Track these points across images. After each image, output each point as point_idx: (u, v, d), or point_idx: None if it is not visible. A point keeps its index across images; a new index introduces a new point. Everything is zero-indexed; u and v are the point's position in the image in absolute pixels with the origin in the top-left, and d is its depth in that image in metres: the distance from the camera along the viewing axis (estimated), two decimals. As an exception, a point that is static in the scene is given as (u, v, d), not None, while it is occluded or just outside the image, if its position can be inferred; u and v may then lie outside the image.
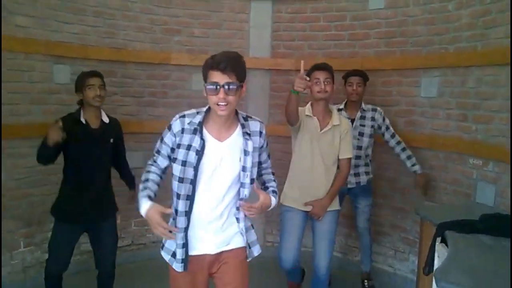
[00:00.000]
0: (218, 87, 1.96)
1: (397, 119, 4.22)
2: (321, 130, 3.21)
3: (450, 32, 3.83)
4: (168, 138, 2.18)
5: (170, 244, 2.22)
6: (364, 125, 3.94)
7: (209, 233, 2.20)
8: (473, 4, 3.62)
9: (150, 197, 2.14)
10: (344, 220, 4.60)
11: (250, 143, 2.14)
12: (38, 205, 3.83)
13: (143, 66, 4.56)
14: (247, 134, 2.15)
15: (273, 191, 2.30)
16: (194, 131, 2.11)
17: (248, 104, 4.78)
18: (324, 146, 3.22)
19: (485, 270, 2.12)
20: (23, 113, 3.78)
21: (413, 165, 3.91)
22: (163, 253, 2.27)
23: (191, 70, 4.65)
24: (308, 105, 3.29)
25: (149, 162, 2.32)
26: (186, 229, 2.16)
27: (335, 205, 3.31)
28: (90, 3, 4.19)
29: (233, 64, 1.98)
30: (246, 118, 2.21)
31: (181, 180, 2.12)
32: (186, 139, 2.11)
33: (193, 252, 2.20)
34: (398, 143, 3.96)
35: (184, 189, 2.12)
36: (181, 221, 2.16)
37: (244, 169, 2.14)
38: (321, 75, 3.17)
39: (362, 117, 3.96)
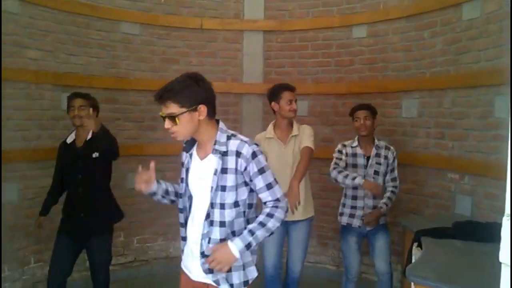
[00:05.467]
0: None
1: (381, 139, 4.50)
2: (284, 146, 3.50)
3: (426, 58, 4.17)
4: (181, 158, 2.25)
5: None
6: (380, 164, 3.70)
7: (194, 256, 2.14)
8: (445, 32, 3.98)
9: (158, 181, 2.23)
10: (337, 234, 4.82)
11: (220, 162, 2.05)
12: (47, 223, 4.07)
13: (144, 93, 4.87)
14: (218, 153, 2.05)
15: (250, 231, 2.03)
16: (185, 149, 2.21)
17: (242, 127, 5.09)
18: (289, 156, 3.49)
19: (450, 267, 2.40)
20: (32, 138, 4.07)
21: (384, 202, 3.65)
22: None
23: (189, 96, 4.97)
24: (270, 127, 3.58)
25: None
26: (185, 239, 2.22)
27: (310, 212, 3.59)
28: (95, 36, 4.55)
29: None
30: (229, 137, 2.09)
31: (180, 195, 2.22)
32: (183, 157, 2.22)
33: (184, 268, 2.24)
34: (394, 187, 3.72)
35: (180, 203, 2.22)
36: (182, 231, 2.24)
37: (211, 188, 2.06)
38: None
39: (378, 155, 3.72)
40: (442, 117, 4.02)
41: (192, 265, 2.16)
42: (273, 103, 3.50)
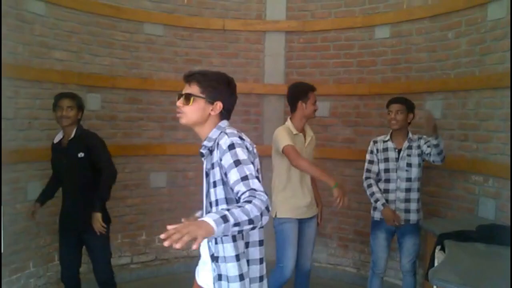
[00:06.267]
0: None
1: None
2: (305, 144, 3.59)
3: (450, 59, 4.11)
4: None
5: None
6: (410, 155, 3.64)
7: (203, 260, 2.09)
8: (470, 33, 3.92)
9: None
10: (358, 237, 4.84)
11: (207, 159, 2.00)
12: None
13: (167, 94, 4.93)
14: (207, 149, 1.98)
15: (223, 209, 1.65)
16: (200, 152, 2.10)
17: (264, 128, 5.10)
18: (309, 155, 3.62)
19: (473, 270, 2.37)
20: (58, 137, 4.15)
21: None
22: None
23: (211, 96, 5.00)
24: (290, 123, 3.53)
25: None
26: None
27: (316, 210, 3.67)
28: (119, 37, 4.63)
29: None
30: (221, 133, 1.95)
31: None
32: None
33: (196, 272, 2.17)
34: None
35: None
36: None
37: (207, 187, 1.99)
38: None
39: (409, 147, 3.66)
40: (466, 118, 3.96)
41: (199, 269, 2.12)
42: (300, 102, 3.50)
